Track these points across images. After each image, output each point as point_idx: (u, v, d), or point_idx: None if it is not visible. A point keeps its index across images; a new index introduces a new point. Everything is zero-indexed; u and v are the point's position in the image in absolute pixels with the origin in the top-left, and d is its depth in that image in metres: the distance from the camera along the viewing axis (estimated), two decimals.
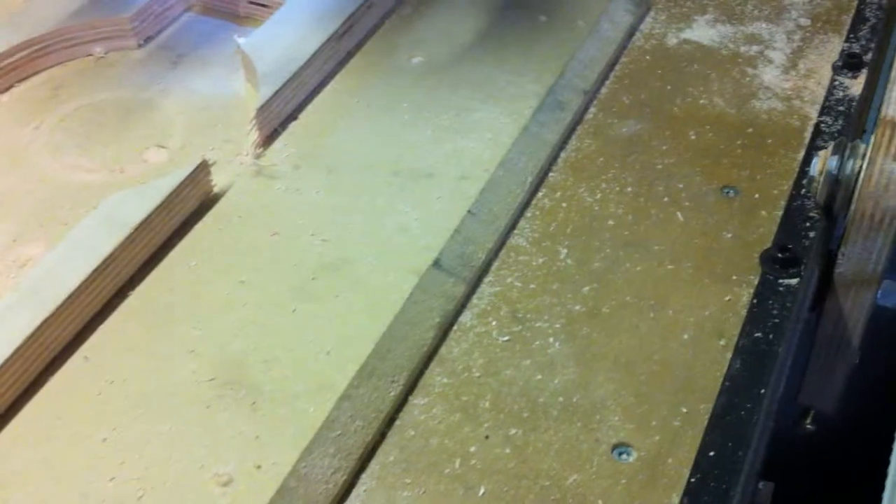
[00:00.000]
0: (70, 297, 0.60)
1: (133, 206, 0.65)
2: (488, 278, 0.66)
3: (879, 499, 0.54)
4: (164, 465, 0.54)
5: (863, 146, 0.64)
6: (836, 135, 0.75)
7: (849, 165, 0.64)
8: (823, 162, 0.66)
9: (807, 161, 0.74)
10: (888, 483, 0.54)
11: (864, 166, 0.62)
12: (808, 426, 0.79)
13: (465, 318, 0.64)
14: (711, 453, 0.55)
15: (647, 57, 0.85)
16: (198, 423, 0.56)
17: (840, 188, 0.65)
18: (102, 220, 0.64)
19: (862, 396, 0.78)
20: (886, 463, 0.56)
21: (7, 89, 0.81)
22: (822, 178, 0.66)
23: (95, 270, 0.61)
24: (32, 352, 0.58)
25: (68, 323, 0.60)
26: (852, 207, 0.63)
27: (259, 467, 0.54)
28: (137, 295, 0.63)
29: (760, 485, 0.98)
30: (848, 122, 0.77)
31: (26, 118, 0.78)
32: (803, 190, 0.71)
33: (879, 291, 0.67)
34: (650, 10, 0.90)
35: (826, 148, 0.67)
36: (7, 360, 0.56)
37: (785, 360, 0.60)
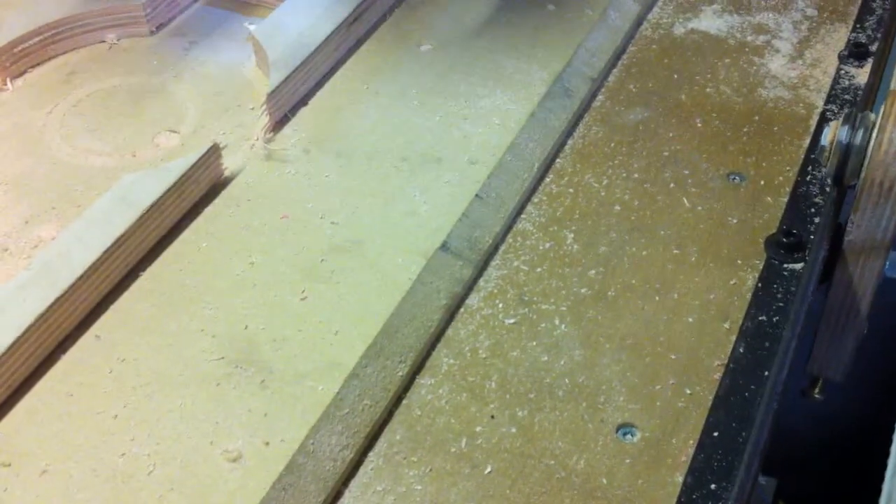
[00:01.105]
0: (82, 276, 0.61)
1: (146, 187, 0.66)
2: (495, 261, 0.67)
3: (882, 478, 0.54)
4: (175, 441, 0.55)
5: (873, 116, 0.65)
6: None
7: (859, 134, 0.65)
8: (834, 132, 0.66)
9: (812, 148, 0.74)
10: (889, 464, 0.55)
11: (874, 135, 0.62)
12: (817, 395, 0.79)
13: (473, 300, 0.64)
14: (715, 433, 0.55)
15: (655, 46, 0.86)
16: (208, 400, 0.57)
17: (850, 157, 0.65)
18: (116, 200, 0.65)
19: (869, 369, 0.79)
20: (890, 443, 0.56)
21: (21, 74, 0.82)
22: (832, 148, 0.66)
23: (108, 250, 0.62)
24: (45, 330, 0.59)
25: (80, 302, 0.61)
26: (862, 175, 0.64)
27: (268, 444, 0.54)
28: (149, 275, 0.64)
29: (763, 480, 0.99)
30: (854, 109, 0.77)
31: (40, 103, 0.79)
32: (808, 176, 0.71)
33: (888, 263, 0.68)
34: (658, 0, 0.90)
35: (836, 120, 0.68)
36: (20, 338, 0.57)
37: (789, 343, 0.61)
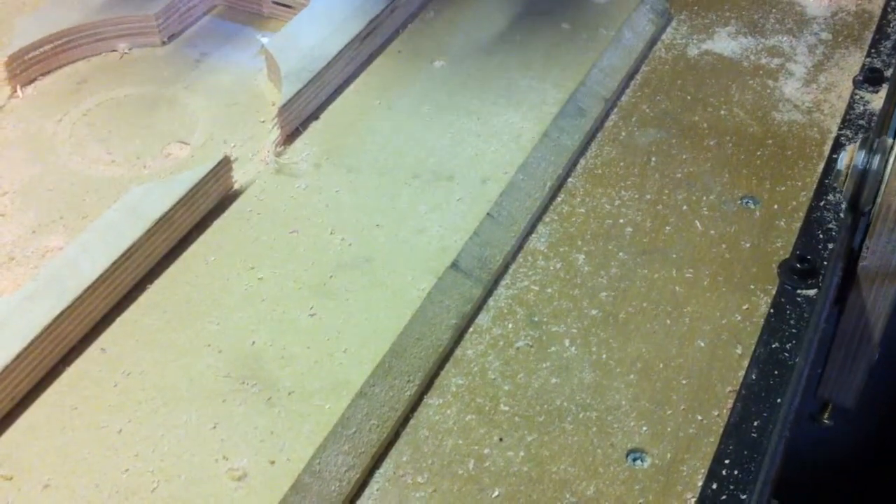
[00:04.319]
0: (89, 287, 0.60)
1: (155, 199, 0.65)
2: (505, 281, 0.66)
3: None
4: (179, 458, 0.54)
5: (890, 140, 0.64)
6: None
7: (876, 160, 0.64)
8: (851, 156, 0.66)
9: (826, 173, 0.74)
10: None
11: (891, 160, 0.62)
12: (826, 421, 0.78)
13: (482, 319, 0.64)
14: (727, 462, 0.55)
15: (668, 67, 0.85)
16: (213, 416, 0.56)
17: (866, 182, 0.65)
18: (125, 211, 0.64)
19: (880, 395, 0.78)
20: None
21: (31, 82, 0.81)
22: (848, 172, 0.66)
23: (116, 262, 0.61)
24: (50, 341, 0.58)
25: (87, 314, 0.60)
26: (878, 201, 0.63)
27: (273, 462, 0.54)
28: (156, 288, 0.64)
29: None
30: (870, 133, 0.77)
31: (50, 111, 0.79)
32: (823, 202, 0.71)
33: None
34: (672, 21, 0.90)
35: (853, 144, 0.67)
36: (25, 350, 0.57)
37: (802, 371, 0.60)
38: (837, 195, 0.69)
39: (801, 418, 0.64)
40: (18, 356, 0.56)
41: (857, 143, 0.65)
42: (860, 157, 0.65)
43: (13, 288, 0.63)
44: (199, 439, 0.55)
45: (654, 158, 0.76)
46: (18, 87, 0.80)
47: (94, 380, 0.58)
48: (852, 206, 0.67)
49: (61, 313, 0.58)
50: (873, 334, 0.69)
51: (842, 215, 0.68)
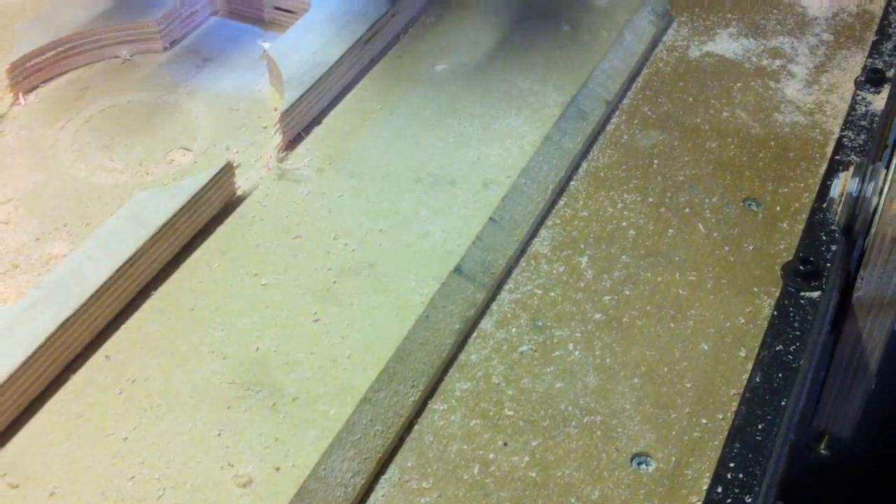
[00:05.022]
0: (93, 295, 0.60)
1: (158, 205, 0.65)
2: (508, 285, 0.66)
3: None
4: (185, 465, 0.54)
5: (883, 169, 0.64)
6: (858, 149, 0.75)
7: (869, 188, 0.64)
8: (844, 184, 0.65)
9: (829, 175, 0.73)
10: None
11: (885, 189, 0.61)
12: (823, 451, 0.78)
13: (486, 324, 0.64)
14: (731, 464, 0.55)
15: (670, 69, 0.85)
16: (218, 423, 0.56)
17: (860, 210, 0.64)
18: (128, 218, 0.65)
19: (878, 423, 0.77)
20: None
21: (34, 89, 0.82)
22: (842, 200, 0.65)
23: (119, 269, 0.62)
24: (55, 349, 0.58)
25: (91, 321, 0.60)
26: (872, 230, 0.63)
27: (278, 469, 0.54)
28: (160, 294, 0.64)
29: None
30: (871, 138, 0.77)
31: (52, 118, 0.79)
32: (825, 204, 0.71)
33: None
34: (673, 23, 0.90)
35: (848, 164, 0.67)
36: (29, 358, 0.57)
37: (806, 373, 0.60)
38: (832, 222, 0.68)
39: (797, 447, 0.62)
40: (24, 364, 0.56)
41: (851, 171, 0.65)
42: (853, 185, 0.64)
43: (17, 295, 0.63)
44: (204, 446, 0.55)
45: (656, 161, 0.76)
46: (21, 95, 0.81)
47: (99, 387, 0.58)
48: (846, 233, 0.67)
49: (66, 320, 0.59)
50: (870, 364, 0.68)
51: (837, 240, 0.67)
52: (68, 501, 0.53)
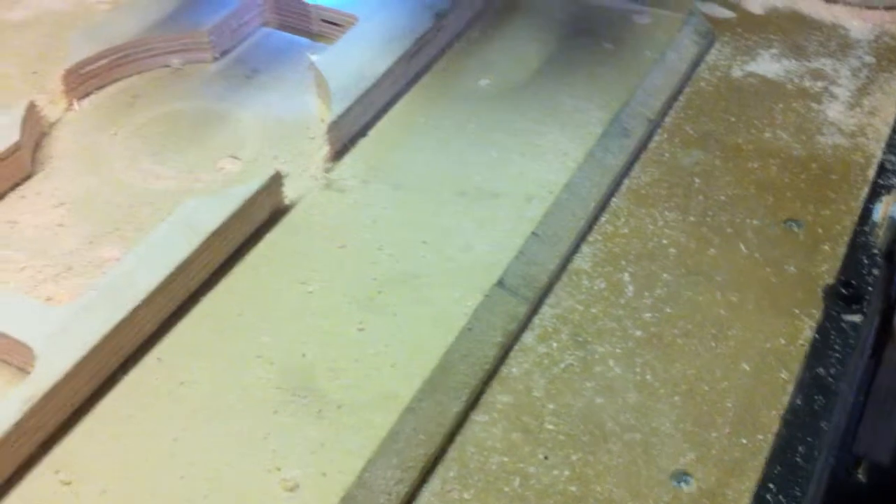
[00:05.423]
0: (146, 299, 0.62)
1: (209, 212, 0.67)
2: (550, 300, 0.67)
3: None
4: (232, 467, 0.55)
5: None
6: None
7: None
8: (886, 208, 0.66)
9: (871, 198, 0.74)
10: None
11: None
12: (861, 477, 0.77)
13: (527, 338, 0.64)
14: (772, 486, 0.55)
15: (712, 88, 0.86)
16: (265, 427, 0.57)
17: None
18: (179, 224, 0.66)
19: None
20: None
21: (86, 96, 0.84)
22: (885, 224, 0.66)
23: (171, 274, 0.63)
24: (108, 350, 0.60)
25: (143, 324, 0.62)
26: None
27: (325, 474, 0.55)
28: (209, 300, 0.65)
29: None
30: None
31: (104, 125, 0.81)
32: (867, 227, 0.71)
33: None
34: (715, 42, 0.91)
35: (890, 188, 0.67)
36: (83, 358, 0.58)
37: (847, 397, 0.60)
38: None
39: (836, 473, 0.62)
40: (79, 363, 0.58)
41: (894, 194, 0.65)
42: None
43: (71, 297, 0.65)
44: (251, 450, 0.56)
45: (697, 180, 0.76)
46: (75, 101, 0.82)
47: (149, 389, 0.60)
48: (888, 258, 0.67)
49: (119, 323, 0.60)
50: None
51: (879, 266, 0.67)
52: (119, 499, 0.54)
